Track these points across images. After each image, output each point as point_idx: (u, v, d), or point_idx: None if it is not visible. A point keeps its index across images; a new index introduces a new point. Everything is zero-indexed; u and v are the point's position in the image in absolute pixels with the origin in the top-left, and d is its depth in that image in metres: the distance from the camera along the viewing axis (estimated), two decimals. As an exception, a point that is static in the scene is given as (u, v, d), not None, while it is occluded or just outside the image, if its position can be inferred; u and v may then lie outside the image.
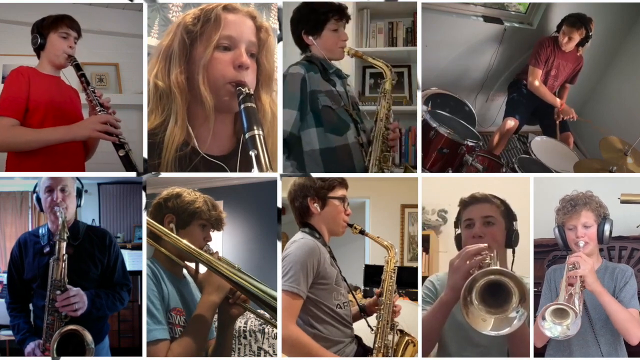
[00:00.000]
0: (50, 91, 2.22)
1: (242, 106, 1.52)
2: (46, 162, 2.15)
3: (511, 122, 3.41)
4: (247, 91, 1.57)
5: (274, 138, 1.78)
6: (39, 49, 2.27)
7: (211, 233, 1.78)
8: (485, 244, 1.76)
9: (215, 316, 1.66)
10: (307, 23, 2.31)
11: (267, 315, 1.68)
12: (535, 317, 1.93)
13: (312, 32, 2.32)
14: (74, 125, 2.15)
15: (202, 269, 1.66)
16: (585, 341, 1.92)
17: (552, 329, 1.76)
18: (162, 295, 1.63)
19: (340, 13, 2.31)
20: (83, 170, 2.34)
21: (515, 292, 1.64)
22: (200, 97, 1.62)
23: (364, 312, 2.10)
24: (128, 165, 2.10)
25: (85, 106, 2.31)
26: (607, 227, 1.96)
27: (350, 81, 2.55)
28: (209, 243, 1.76)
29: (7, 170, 2.20)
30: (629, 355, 1.95)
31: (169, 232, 1.67)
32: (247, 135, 1.45)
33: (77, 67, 2.25)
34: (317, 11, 2.29)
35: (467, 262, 1.71)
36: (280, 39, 2.28)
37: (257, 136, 1.44)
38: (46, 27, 2.23)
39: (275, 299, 1.56)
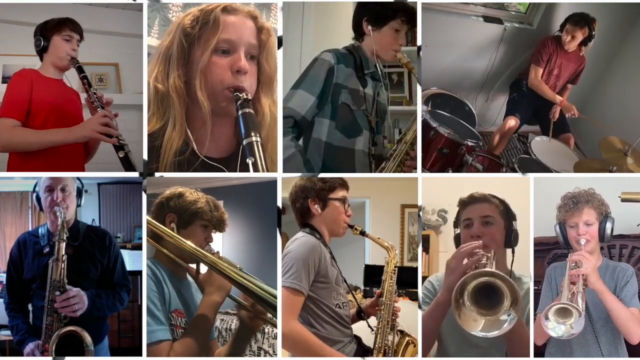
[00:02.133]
0: (53, 94, 2.24)
1: (240, 112, 1.51)
2: (47, 162, 2.17)
3: (512, 122, 3.40)
4: (245, 96, 1.55)
5: (274, 140, 1.76)
6: (42, 52, 2.28)
7: (212, 234, 1.77)
8: (479, 242, 1.75)
9: (233, 324, 1.64)
10: (372, 12, 2.22)
11: (269, 315, 1.67)
12: (535, 315, 1.93)
13: (374, 22, 2.22)
14: (75, 127, 2.18)
15: (203, 270, 1.66)
16: (586, 340, 1.91)
17: (556, 328, 1.75)
18: (163, 296, 1.63)
19: (409, 16, 2.22)
20: (83, 171, 2.35)
21: (507, 295, 1.64)
22: (197, 102, 1.60)
23: (361, 314, 2.09)
24: (127, 166, 2.13)
25: (86, 107, 2.32)
26: (608, 225, 1.96)
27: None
28: (210, 244, 1.75)
29: (8, 170, 2.23)
30: (630, 355, 1.95)
31: (171, 231, 1.66)
32: (244, 142, 1.44)
33: (80, 69, 2.26)
34: (387, 5, 2.20)
35: (463, 263, 1.71)
36: (280, 43, 2.19)
37: (254, 143, 1.43)
38: (49, 29, 2.25)
39: (277, 297, 1.56)
